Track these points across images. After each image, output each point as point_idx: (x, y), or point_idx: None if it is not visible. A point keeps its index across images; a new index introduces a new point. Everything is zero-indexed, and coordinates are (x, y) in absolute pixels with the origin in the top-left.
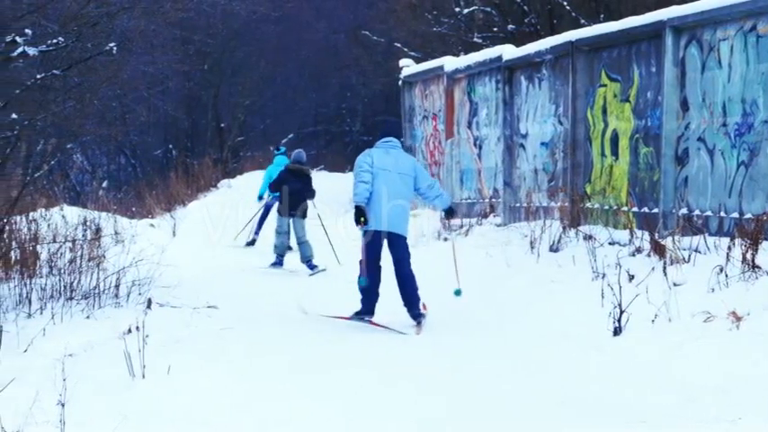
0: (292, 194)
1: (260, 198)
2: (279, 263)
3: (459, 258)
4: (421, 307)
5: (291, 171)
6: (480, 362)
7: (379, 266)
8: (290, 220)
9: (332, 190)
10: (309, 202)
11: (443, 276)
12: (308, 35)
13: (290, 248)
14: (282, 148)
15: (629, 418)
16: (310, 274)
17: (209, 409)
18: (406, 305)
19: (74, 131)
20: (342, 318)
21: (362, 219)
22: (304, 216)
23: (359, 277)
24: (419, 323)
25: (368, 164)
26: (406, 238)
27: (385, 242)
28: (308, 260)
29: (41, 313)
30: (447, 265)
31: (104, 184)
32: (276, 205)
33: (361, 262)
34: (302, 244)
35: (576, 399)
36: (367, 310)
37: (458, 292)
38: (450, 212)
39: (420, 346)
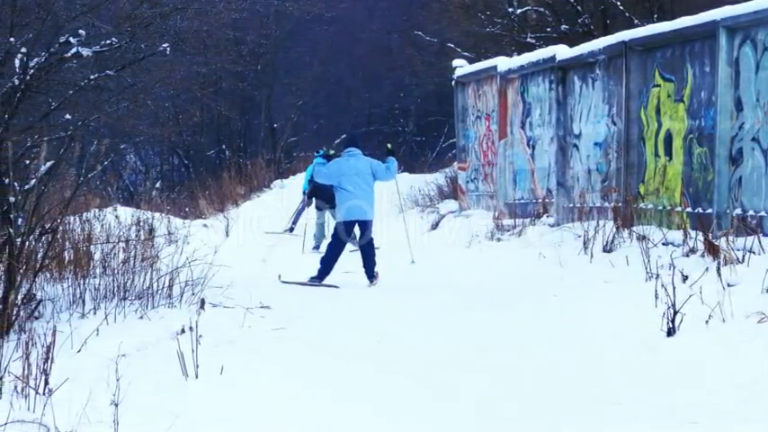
0: (329, 192)
1: (304, 192)
2: (316, 247)
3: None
4: (375, 273)
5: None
6: (534, 362)
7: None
8: (328, 212)
9: (386, 190)
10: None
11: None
12: (361, 35)
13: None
14: (321, 152)
15: (682, 419)
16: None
17: (262, 410)
18: (365, 264)
19: (127, 132)
20: (301, 283)
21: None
22: (334, 205)
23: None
24: (372, 282)
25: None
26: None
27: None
28: (318, 240)
29: (95, 313)
30: (502, 267)
31: (157, 185)
32: (314, 201)
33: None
34: (321, 228)
35: (629, 398)
36: (320, 277)
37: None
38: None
39: (471, 344)
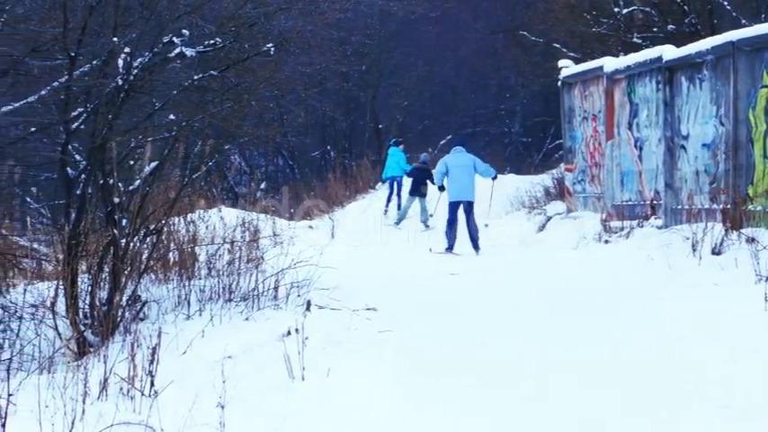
0: (418, 182)
1: (384, 180)
2: (397, 223)
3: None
4: (479, 246)
5: (419, 168)
6: (641, 363)
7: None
8: (417, 198)
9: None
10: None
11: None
12: (466, 35)
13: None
14: (394, 140)
15: None
16: (423, 231)
17: (368, 413)
18: (471, 240)
19: (231, 132)
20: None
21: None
22: (425, 195)
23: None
24: (477, 252)
25: (443, 163)
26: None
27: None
28: (425, 221)
29: (200, 315)
30: (609, 269)
31: (262, 186)
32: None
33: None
34: (424, 211)
35: (738, 402)
36: (450, 247)
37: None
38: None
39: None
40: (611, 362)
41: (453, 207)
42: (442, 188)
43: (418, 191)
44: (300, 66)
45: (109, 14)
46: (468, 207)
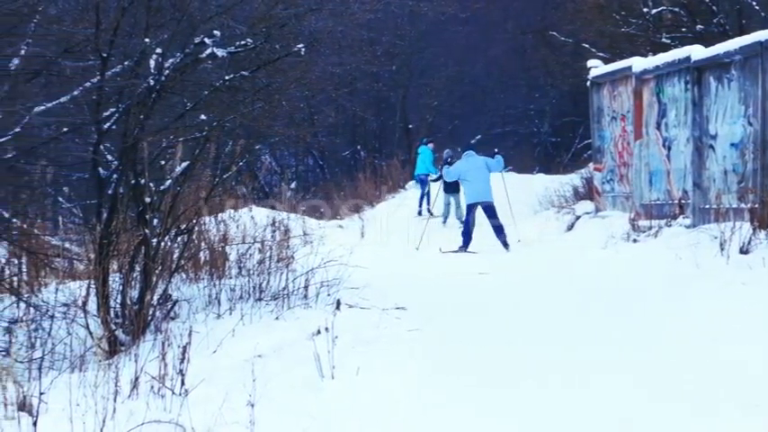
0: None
1: (415, 178)
2: (444, 221)
3: None
4: (507, 243)
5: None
6: (668, 361)
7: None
8: (452, 195)
9: (521, 190)
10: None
11: (633, 280)
12: (495, 36)
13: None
14: (425, 139)
15: None
16: (460, 227)
17: (397, 412)
18: (499, 239)
19: (262, 132)
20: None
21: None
22: (458, 191)
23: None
24: (507, 249)
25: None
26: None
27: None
28: (460, 217)
29: (231, 314)
30: (638, 268)
31: (293, 185)
32: (442, 186)
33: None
34: (458, 207)
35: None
36: (467, 244)
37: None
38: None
39: (608, 345)
40: (640, 362)
41: (471, 209)
42: (439, 177)
43: (451, 187)
44: (331, 66)
45: (141, 15)
46: (489, 208)
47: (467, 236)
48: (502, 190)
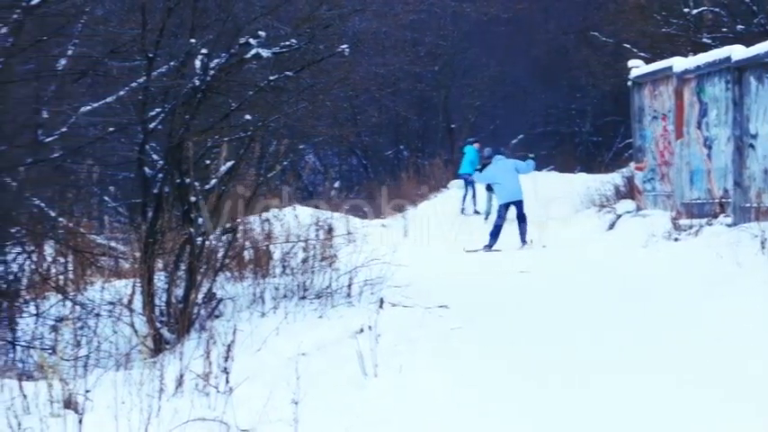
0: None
1: (460, 176)
2: (486, 217)
3: None
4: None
5: (485, 165)
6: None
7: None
8: (490, 193)
9: (563, 190)
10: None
11: (675, 279)
12: (537, 36)
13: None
14: (469, 139)
15: None
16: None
17: (440, 410)
18: (520, 229)
19: (306, 132)
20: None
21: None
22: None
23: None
24: (523, 245)
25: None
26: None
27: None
28: (488, 213)
29: (275, 312)
30: (679, 266)
31: (336, 185)
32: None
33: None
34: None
35: None
36: (493, 244)
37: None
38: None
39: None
40: (682, 360)
41: (504, 208)
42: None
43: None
44: (374, 66)
45: (186, 16)
46: (519, 205)
47: (495, 236)
48: (531, 192)
